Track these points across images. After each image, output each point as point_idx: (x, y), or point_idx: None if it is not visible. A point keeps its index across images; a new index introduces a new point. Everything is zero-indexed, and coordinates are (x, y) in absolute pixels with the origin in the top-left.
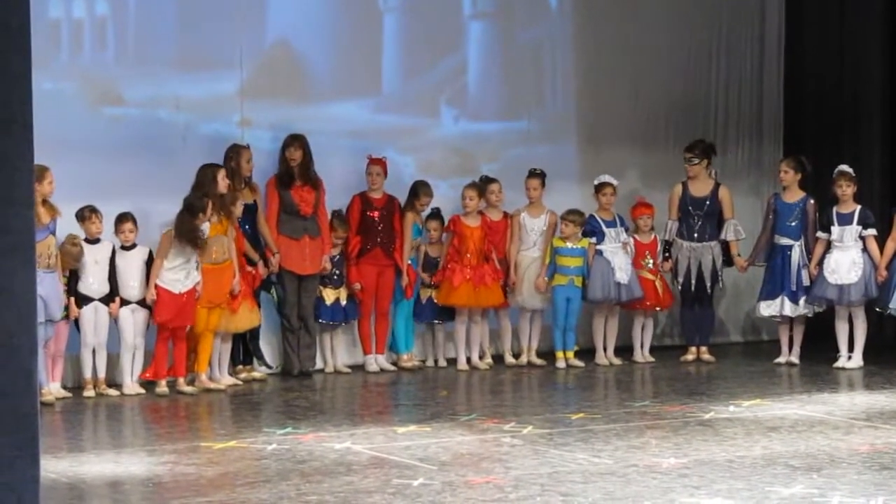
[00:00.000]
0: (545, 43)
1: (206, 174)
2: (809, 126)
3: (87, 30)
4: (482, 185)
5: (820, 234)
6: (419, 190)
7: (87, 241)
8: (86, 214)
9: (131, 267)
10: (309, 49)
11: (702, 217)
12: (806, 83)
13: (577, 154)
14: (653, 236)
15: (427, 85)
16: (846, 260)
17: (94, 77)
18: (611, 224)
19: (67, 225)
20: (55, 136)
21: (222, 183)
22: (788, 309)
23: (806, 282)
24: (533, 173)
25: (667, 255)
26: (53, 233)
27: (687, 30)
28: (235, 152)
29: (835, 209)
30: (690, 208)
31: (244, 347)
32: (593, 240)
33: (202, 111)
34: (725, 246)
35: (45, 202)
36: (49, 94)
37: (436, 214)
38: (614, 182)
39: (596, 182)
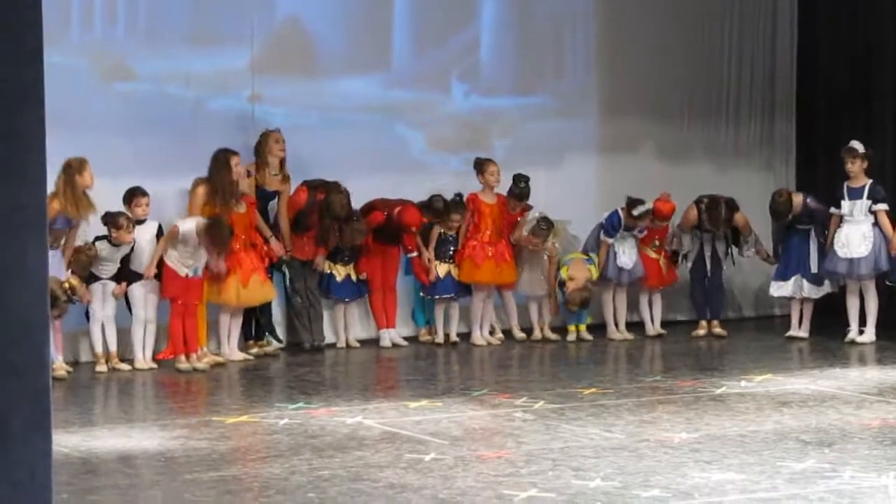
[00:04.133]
0: (565, 17)
1: (216, 160)
2: (822, 101)
3: (98, 5)
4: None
5: (833, 210)
6: (450, 209)
7: (111, 243)
8: (135, 198)
9: (142, 241)
10: (319, 24)
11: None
12: (818, 58)
13: (594, 128)
14: (665, 224)
15: (438, 60)
16: (856, 234)
17: (105, 52)
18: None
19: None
20: (65, 112)
21: (236, 170)
22: (807, 290)
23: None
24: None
25: (675, 259)
26: (76, 227)
27: (702, 4)
28: (263, 136)
29: (846, 184)
30: (705, 231)
31: (256, 323)
32: (610, 240)
33: (213, 87)
34: (734, 232)
35: (84, 195)
36: (59, 69)
37: (458, 203)
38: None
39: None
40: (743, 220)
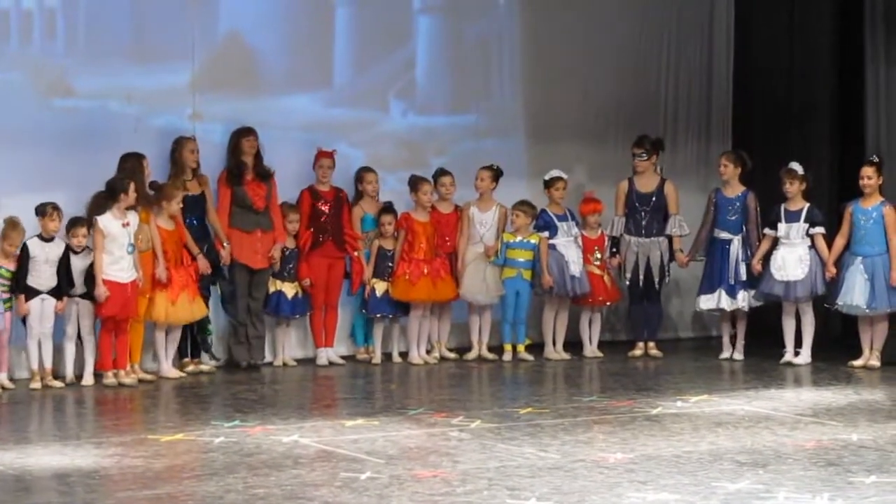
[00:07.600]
0: (493, 38)
1: (128, 163)
2: (758, 124)
3: (37, 20)
4: (435, 178)
5: (767, 230)
6: (362, 174)
7: (42, 238)
8: (47, 211)
9: (79, 268)
10: (261, 42)
11: (648, 212)
12: (754, 81)
13: (526, 149)
14: (600, 232)
15: (377, 79)
16: (793, 256)
17: (44, 68)
18: (562, 218)
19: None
20: (3, 127)
21: (146, 172)
22: (725, 302)
23: (744, 276)
24: (487, 167)
25: (614, 250)
26: None
27: (636, 26)
28: (178, 143)
29: (783, 206)
30: (637, 204)
31: (192, 340)
32: (545, 234)
33: (153, 104)
34: (670, 241)
35: None
36: None
37: (388, 209)
38: (565, 176)
39: (547, 177)
40: (673, 193)
